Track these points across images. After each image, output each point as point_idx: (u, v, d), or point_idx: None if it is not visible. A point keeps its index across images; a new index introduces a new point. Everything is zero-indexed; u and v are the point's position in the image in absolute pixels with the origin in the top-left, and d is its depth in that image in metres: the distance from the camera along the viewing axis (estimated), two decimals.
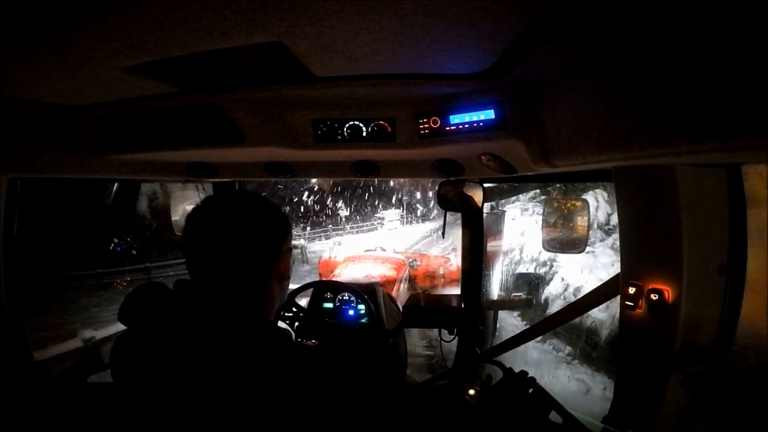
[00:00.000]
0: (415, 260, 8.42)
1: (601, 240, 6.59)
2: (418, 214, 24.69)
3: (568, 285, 6.35)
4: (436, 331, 1.49)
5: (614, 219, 6.22)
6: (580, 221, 1.50)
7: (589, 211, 1.52)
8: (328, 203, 21.96)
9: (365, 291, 1.73)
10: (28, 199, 1.35)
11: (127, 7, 0.49)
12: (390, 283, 6.35)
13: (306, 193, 20.87)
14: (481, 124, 0.85)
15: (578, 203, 1.55)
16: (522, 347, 1.72)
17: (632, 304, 0.97)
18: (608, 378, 4.68)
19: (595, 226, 6.67)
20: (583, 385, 4.78)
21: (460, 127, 0.89)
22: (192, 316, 0.60)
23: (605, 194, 6.50)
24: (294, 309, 1.68)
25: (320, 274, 8.62)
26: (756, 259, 0.86)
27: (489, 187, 1.48)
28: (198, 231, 0.66)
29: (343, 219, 21.77)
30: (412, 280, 7.65)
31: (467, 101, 0.86)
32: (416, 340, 3.99)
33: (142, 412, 0.61)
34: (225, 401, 0.54)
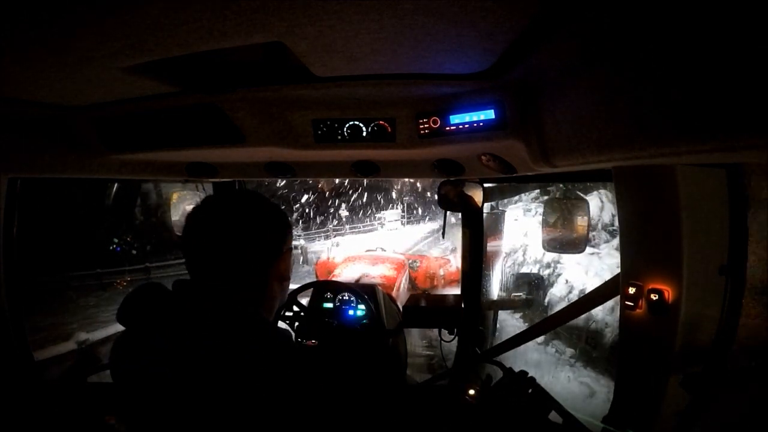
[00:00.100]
0: (415, 261, 8.40)
1: (606, 241, 6.52)
2: (420, 213, 24.70)
3: (572, 287, 6.26)
4: (436, 331, 1.49)
5: None
6: (580, 221, 1.50)
7: (589, 211, 1.51)
8: (328, 203, 21.97)
9: (365, 291, 1.73)
10: (28, 199, 1.35)
11: (127, 7, 0.49)
12: (390, 283, 6.34)
13: (306, 193, 20.88)
14: (481, 124, 0.85)
15: (578, 203, 1.55)
16: (523, 349, 1.72)
17: (632, 304, 0.97)
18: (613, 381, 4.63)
19: (599, 227, 6.62)
20: (587, 388, 4.73)
21: (460, 127, 0.89)
22: (191, 316, 0.60)
23: (609, 195, 6.43)
24: (294, 309, 1.68)
25: (317, 277, 8.58)
26: None
27: (489, 187, 1.48)
28: (198, 231, 0.66)
29: (344, 219, 21.77)
30: (412, 280, 7.64)
31: (467, 101, 0.86)
32: (416, 340, 3.98)
33: (141, 412, 0.61)
34: (225, 401, 0.54)
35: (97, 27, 0.54)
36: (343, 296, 1.78)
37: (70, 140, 1.10)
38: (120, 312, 0.63)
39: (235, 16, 0.52)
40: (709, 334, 0.89)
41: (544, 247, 1.57)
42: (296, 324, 1.65)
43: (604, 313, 5.29)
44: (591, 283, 5.87)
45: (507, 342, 1.61)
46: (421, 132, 0.93)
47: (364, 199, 23.05)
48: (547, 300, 6.40)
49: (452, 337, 1.47)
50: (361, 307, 1.73)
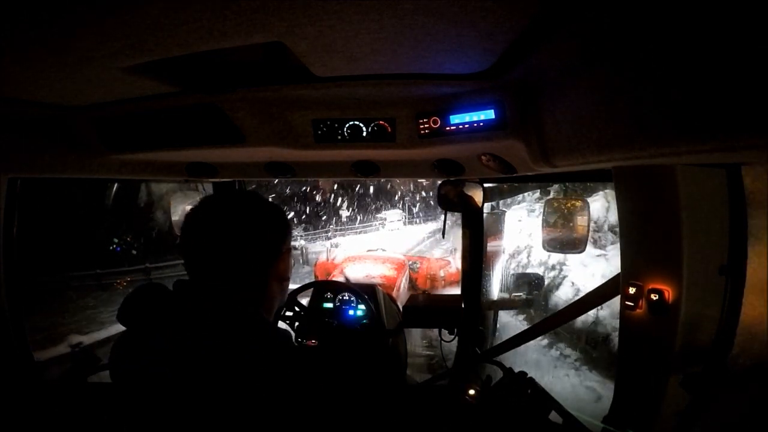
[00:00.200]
0: (415, 263, 8.39)
1: (613, 243, 6.44)
2: (421, 214, 24.70)
3: (578, 290, 6.16)
4: (436, 331, 1.49)
5: None
6: (580, 221, 1.50)
7: (589, 211, 1.51)
8: (329, 203, 21.96)
9: (365, 291, 1.73)
10: (28, 199, 1.35)
11: (127, 7, 0.49)
12: (390, 283, 6.34)
13: (306, 194, 20.88)
14: (481, 124, 0.85)
15: (578, 203, 1.55)
16: (524, 349, 1.71)
17: (632, 304, 0.97)
18: None
19: (606, 227, 6.55)
20: (593, 393, 4.63)
21: (460, 127, 0.89)
22: (191, 317, 0.60)
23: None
24: (294, 309, 1.68)
25: (317, 278, 8.55)
26: None
27: (489, 187, 1.48)
28: (197, 231, 0.66)
29: (345, 219, 21.77)
30: (413, 281, 7.64)
31: (467, 101, 0.86)
32: (416, 340, 3.98)
33: (141, 412, 0.61)
34: (225, 401, 0.54)
35: (97, 27, 0.54)
36: (343, 296, 1.78)
37: (70, 140, 1.10)
38: (120, 312, 0.63)
39: (235, 16, 0.52)
40: (709, 334, 0.89)
41: (544, 247, 1.57)
42: (296, 324, 1.65)
43: (612, 317, 5.22)
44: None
45: (507, 342, 1.61)
46: (421, 132, 0.93)
47: (366, 200, 23.05)
48: (553, 303, 6.30)
49: (452, 337, 1.47)
50: (361, 307, 1.73)
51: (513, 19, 0.52)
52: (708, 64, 0.40)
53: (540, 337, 5.64)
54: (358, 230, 20.96)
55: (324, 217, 21.26)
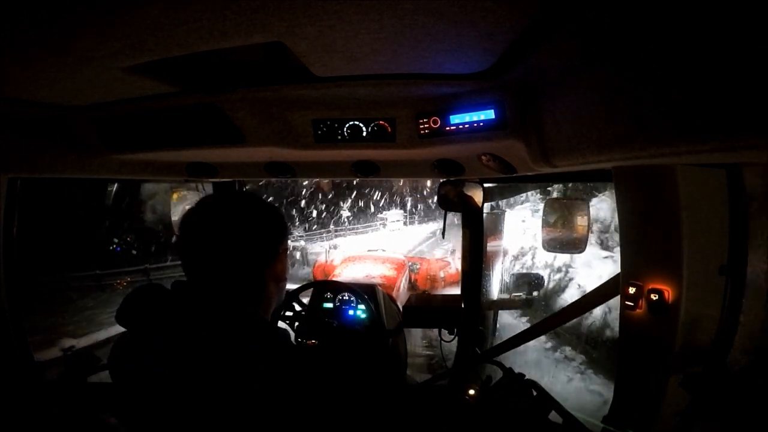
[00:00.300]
0: (415, 264, 8.40)
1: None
2: (422, 214, 24.69)
3: (585, 293, 6.12)
4: (436, 331, 1.49)
5: None
6: (580, 221, 1.50)
7: (589, 211, 1.52)
8: (329, 203, 21.95)
9: (365, 291, 1.73)
10: (28, 199, 1.35)
11: (127, 7, 0.49)
12: (390, 283, 6.34)
13: (306, 193, 20.88)
14: (481, 124, 0.85)
15: (578, 203, 1.55)
16: (523, 349, 1.71)
17: (632, 304, 0.97)
18: None
19: (612, 228, 6.50)
20: (599, 397, 4.58)
21: (460, 127, 0.89)
22: (191, 317, 0.60)
23: None
24: (295, 309, 1.68)
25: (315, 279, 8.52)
26: None
27: (489, 187, 1.48)
28: (196, 232, 0.66)
29: (345, 220, 21.76)
30: (413, 282, 7.64)
31: (467, 101, 0.86)
32: (416, 340, 3.97)
33: (141, 413, 0.61)
34: (225, 401, 0.54)
35: (97, 27, 0.54)
36: (343, 296, 1.78)
37: (70, 140, 1.10)
38: (119, 312, 0.63)
39: (235, 16, 0.52)
40: (709, 334, 0.89)
41: (544, 247, 1.58)
42: (296, 324, 1.65)
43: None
44: None
45: (507, 342, 1.61)
46: (421, 132, 0.93)
47: (366, 199, 23.05)
48: (558, 306, 6.22)
49: (452, 337, 1.47)
50: (361, 307, 1.73)
51: (513, 19, 0.52)
52: (708, 64, 0.40)
53: (544, 341, 5.64)
54: (358, 230, 20.96)
55: (325, 218, 21.26)
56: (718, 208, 0.87)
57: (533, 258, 7.42)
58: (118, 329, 0.65)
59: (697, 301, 0.89)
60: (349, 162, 1.28)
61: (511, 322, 6.00)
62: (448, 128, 0.90)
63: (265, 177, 1.43)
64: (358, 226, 21.61)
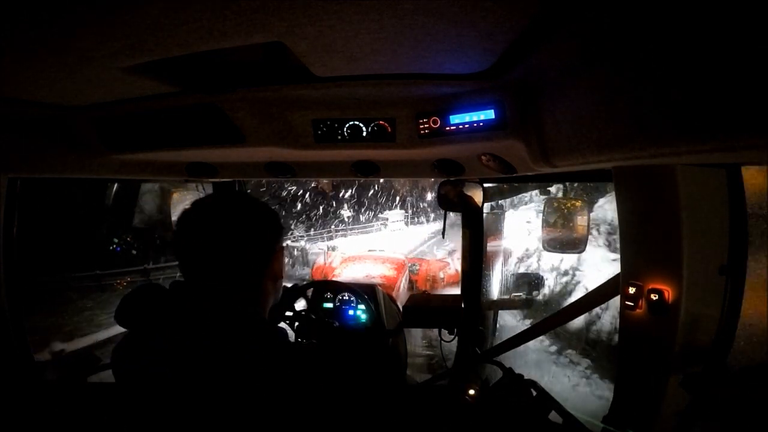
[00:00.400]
0: (415, 265, 8.39)
1: None
2: (422, 214, 24.68)
3: None
4: (436, 331, 1.49)
5: None
6: (580, 221, 1.50)
7: (589, 211, 1.52)
8: (329, 203, 21.95)
9: (365, 291, 1.73)
10: (28, 199, 1.35)
11: (127, 7, 0.49)
12: (390, 283, 6.33)
13: (307, 193, 20.87)
14: (481, 124, 0.85)
15: (578, 203, 1.55)
16: (523, 348, 1.70)
17: (632, 304, 0.97)
18: None
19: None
20: (606, 402, 4.50)
21: (460, 127, 0.89)
22: (191, 317, 0.60)
23: None
24: (295, 308, 1.68)
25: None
26: None
27: (489, 187, 1.48)
28: (193, 232, 0.66)
29: (346, 220, 21.76)
30: (412, 282, 7.63)
31: (467, 101, 0.86)
32: (416, 340, 3.97)
33: (142, 412, 0.61)
34: (225, 401, 0.54)
35: (97, 27, 0.54)
36: (343, 296, 1.78)
37: (70, 140, 1.10)
38: (118, 312, 0.63)
39: (235, 16, 0.52)
40: (709, 334, 0.89)
41: (544, 247, 1.58)
42: (296, 324, 1.65)
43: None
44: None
45: (507, 342, 1.61)
46: (421, 132, 0.93)
47: (367, 199, 23.04)
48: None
49: (452, 337, 1.47)
50: (361, 307, 1.73)
51: (513, 19, 0.52)
52: (708, 65, 0.40)
53: (548, 344, 5.60)
54: (359, 231, 20.95)
55: (325, 219, 21.25)
56: (718, 208, 0.87)
57: (539, 260, 7.24)
58: (118, 330, 0.65)
59: (697, 301, 0.89)
60: (349, 162, 1.28)
61: (514, 325, 5.95)
62: (448, 128, 0.90)
63: (265, 177, 1.43)
64: (359, 226, 21.61)
